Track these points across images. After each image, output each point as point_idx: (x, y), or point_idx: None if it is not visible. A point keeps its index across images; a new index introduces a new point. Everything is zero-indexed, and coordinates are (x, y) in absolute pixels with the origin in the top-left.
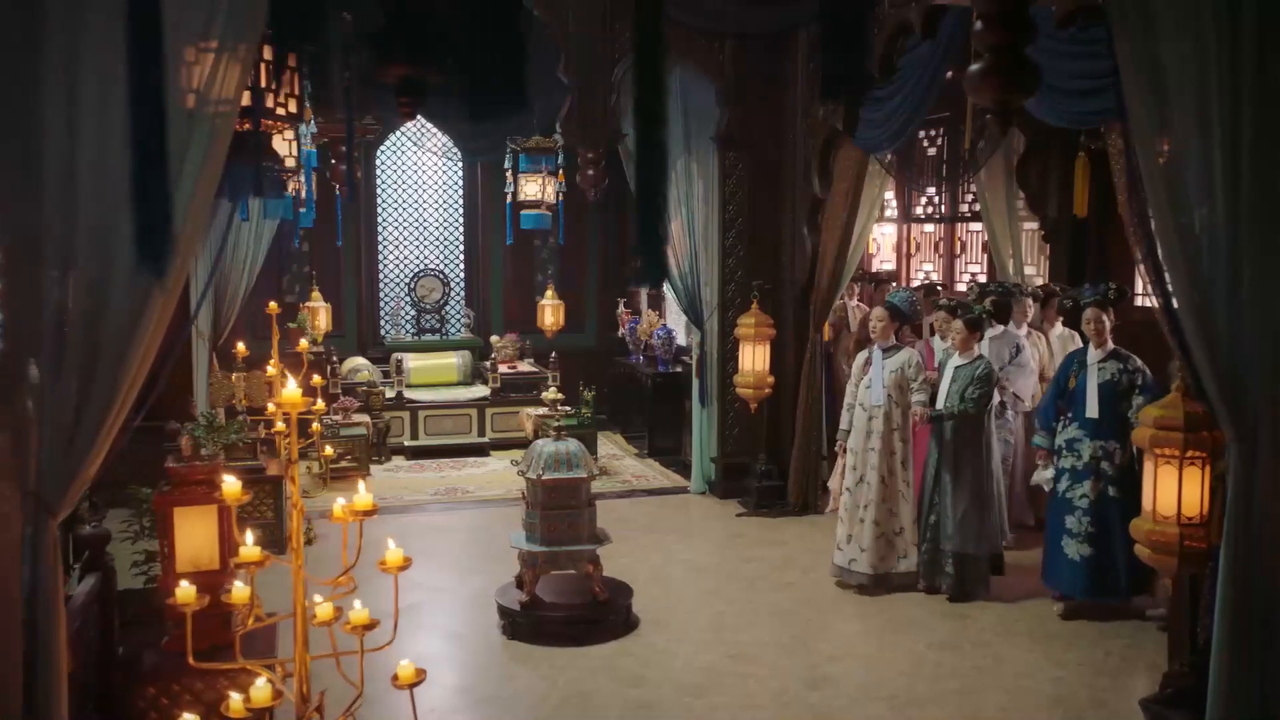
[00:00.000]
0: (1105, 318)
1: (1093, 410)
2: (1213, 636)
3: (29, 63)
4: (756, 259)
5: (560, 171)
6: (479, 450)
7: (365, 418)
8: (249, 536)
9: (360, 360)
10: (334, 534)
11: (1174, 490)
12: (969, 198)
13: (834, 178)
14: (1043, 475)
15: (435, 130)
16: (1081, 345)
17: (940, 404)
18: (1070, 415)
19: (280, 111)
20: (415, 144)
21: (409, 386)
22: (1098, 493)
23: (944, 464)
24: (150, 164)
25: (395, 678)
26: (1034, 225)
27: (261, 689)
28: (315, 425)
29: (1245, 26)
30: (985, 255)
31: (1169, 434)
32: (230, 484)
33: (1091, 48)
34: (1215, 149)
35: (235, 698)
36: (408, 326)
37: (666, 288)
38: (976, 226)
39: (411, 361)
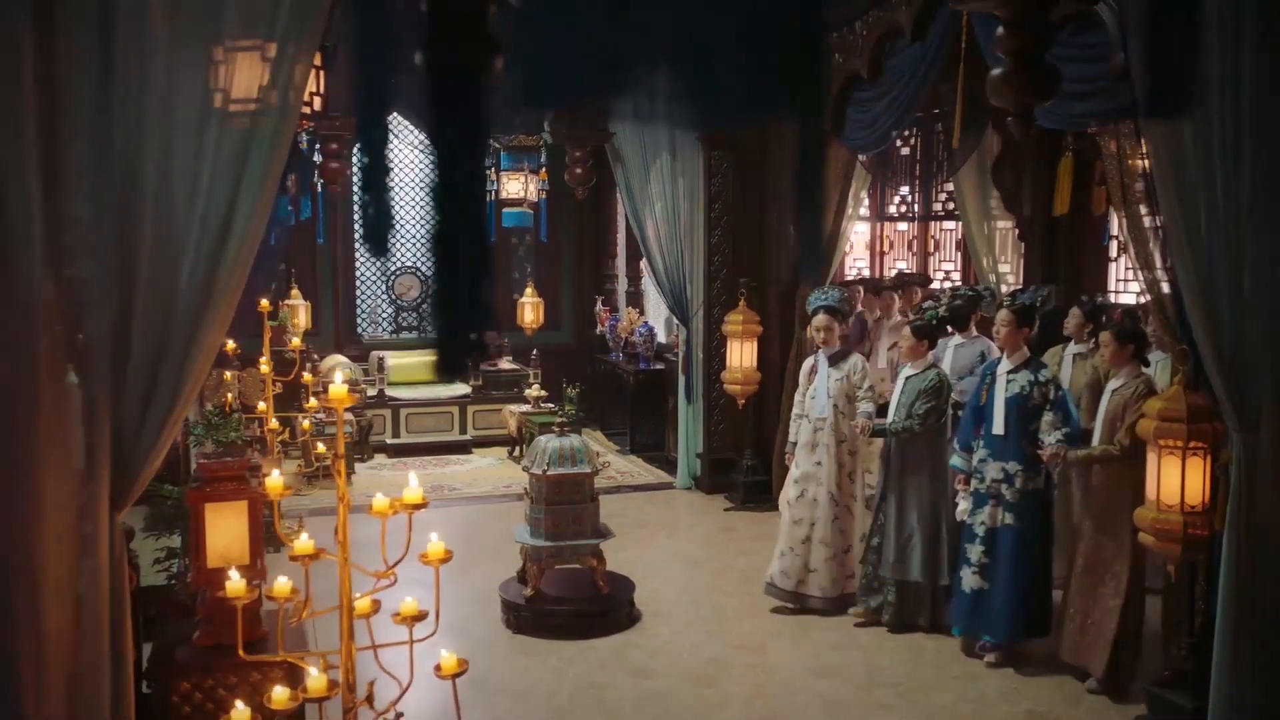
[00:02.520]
0: (1017, 325)
1: (998, 427)
2: (1216, 619)
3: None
4: (742, 257)
5: (542, 169)
6: (461, 448)
7: (349, 415)
8: (304, 535)
9: (340, 358)
10: (325, 531)
11: (1177, 479)
12: (942, 196)
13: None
14: (964, 506)
15: (412, 126)
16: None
17: (890, 417)
18: (981, 433)
19: (304, 110)
20: (396, 138)
21: (389, 384)
22: (995, 521)
23: (889, 484)
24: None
25: (438, 668)
26: (1008, 224)
27: (317, 680)
28: (306, 423)
29: (1246, 26)
30: (959, 254)
31: (1172, 425)
32: (274, 479)
33: (1085, 52)
34: (1215, 142)
35: (279, 690)
36: (385, 324)
37: (648, 284)
38: (950, 225)
39: (390, 359)
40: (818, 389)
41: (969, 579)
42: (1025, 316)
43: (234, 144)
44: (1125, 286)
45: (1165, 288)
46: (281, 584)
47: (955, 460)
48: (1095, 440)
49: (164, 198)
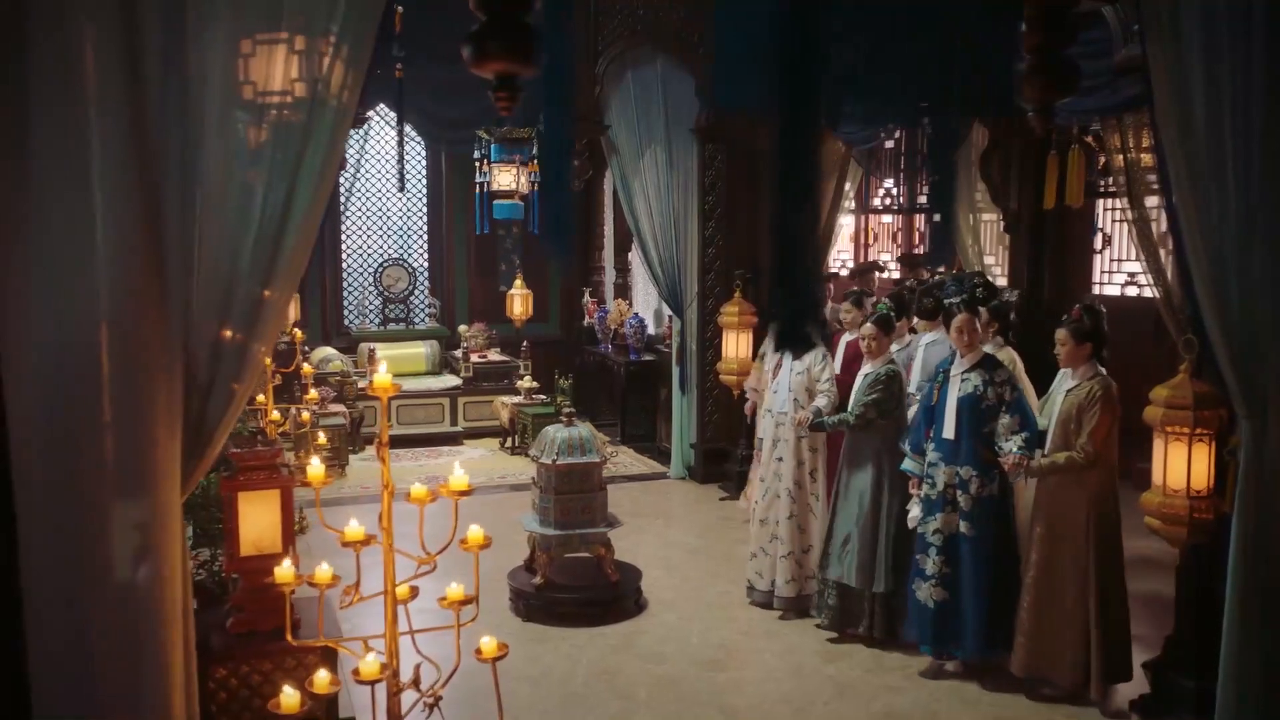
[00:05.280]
0: (979, 324)
1: (949, 430)
2: (1226, 598)
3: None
4: (735, 249)
5: (533, 161)
6: (453, 440)
7: (341, 407)
8: (353, 521)
9: (330, 350)
10: (331, 520)
11: (1183, 465)
12: (927, 188)
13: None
14: (915, 513)
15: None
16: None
17: (849, 413)
18: (932, 436)
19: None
20: (387, 130)
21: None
22: (950, 528)
23: (838, 482)
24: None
25: (478, 652)
26: (993, 217)
27: (370, 664)
28: (305, 415)
29: (1256, 28)
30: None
31: (1179, 412)
32: (315, 467)
33: (1088, 47)
34: (1228, 133)
35: (322, 674)
36: (373, 316)
37: (638, 276)
38: (935, 217)
39: (379, 352)
40: (780, 383)
41: (927, 591)
42: (977, 309)
43: (291, 140)
44: (1109, 279)
45: (1170, 276)
46: (323, 571)
47: (906, 463)
48: (1047, 445)
49: (224, 192)
